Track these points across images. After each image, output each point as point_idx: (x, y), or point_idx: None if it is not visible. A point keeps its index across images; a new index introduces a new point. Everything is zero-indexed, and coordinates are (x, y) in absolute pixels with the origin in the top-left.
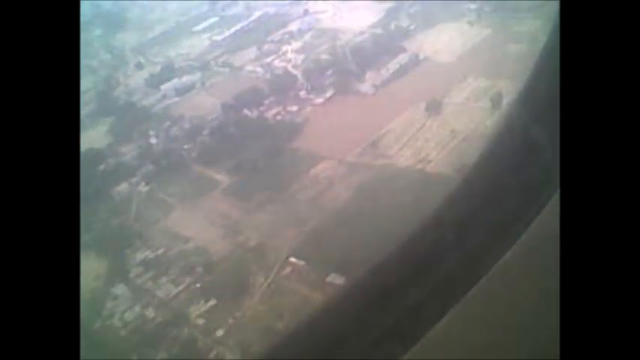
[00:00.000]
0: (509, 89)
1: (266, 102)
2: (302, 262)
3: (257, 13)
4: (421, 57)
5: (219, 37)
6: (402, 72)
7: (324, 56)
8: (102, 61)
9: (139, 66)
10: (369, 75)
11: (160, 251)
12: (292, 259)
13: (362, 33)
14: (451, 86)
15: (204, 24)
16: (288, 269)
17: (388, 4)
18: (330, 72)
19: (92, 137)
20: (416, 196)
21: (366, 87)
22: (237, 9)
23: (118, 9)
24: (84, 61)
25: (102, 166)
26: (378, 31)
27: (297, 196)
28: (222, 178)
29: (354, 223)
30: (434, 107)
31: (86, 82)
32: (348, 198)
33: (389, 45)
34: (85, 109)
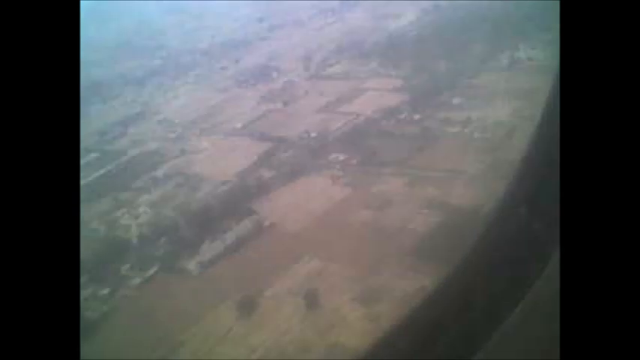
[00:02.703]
0: (336, 280)
1: (82, 280)
2: None
3: (134, 151)
4: (266, 223)
5: (82, 182)
6: (238, 244)
7: (170, 214)
8: None
9: None
10: (204, 246)
11: None
12: None
13: (224, 183)
14: (279, 271)
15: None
16: None
17: (266, 146)
18: (163, 240)
19: None
20: None
21: (192, 265)
22: (124, 142)
23: None
24: None
25: None
26: (238, 182)
27: None
28: None
29: None
30: (246, 307)
31: None
32: None
33: (239, 204)
34: None
